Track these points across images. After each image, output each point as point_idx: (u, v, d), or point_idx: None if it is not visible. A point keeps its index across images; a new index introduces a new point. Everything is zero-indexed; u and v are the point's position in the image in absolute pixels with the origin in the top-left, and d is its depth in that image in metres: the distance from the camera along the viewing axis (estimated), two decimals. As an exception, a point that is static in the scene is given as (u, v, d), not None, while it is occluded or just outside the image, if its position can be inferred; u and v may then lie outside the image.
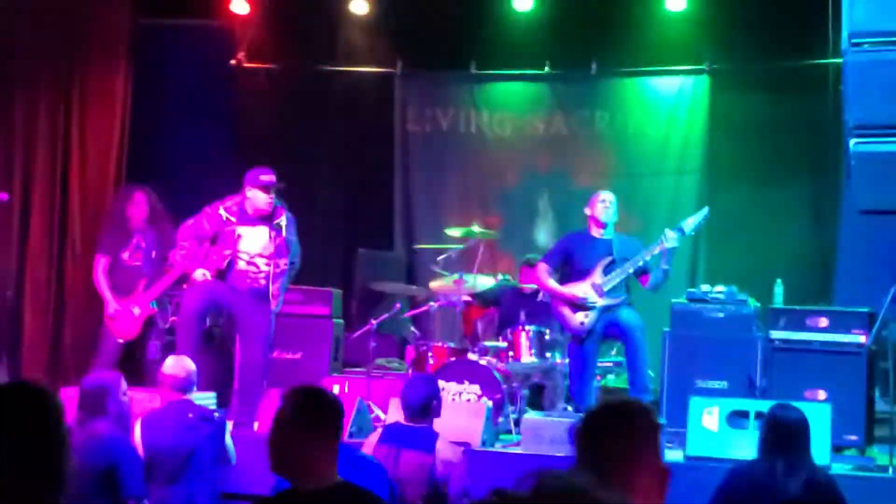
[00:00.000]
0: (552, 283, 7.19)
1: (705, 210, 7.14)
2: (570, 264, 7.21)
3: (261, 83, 10.18)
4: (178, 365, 5.48)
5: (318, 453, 3.07)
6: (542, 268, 7.26)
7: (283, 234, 7.01)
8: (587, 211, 7.22)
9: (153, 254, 7.33)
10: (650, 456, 2.34)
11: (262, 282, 7.05)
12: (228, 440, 5.58)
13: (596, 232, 7.13)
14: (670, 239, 6.89)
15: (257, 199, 6.97)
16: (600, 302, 7.02)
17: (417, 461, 4.78)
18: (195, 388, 5.58)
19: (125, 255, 7.35)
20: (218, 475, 5.48)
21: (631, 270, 6.97)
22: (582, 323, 7.10)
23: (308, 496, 3.04)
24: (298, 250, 7.20)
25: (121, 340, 7.35)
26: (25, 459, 2.25)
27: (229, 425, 5.76)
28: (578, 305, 7.08)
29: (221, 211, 7.02)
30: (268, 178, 6.96)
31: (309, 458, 3.06)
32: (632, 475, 2.27)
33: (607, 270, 7.02)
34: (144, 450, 5.18)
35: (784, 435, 4.56)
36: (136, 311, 7.30)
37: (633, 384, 7.09)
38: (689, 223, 6.97)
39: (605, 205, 7.08)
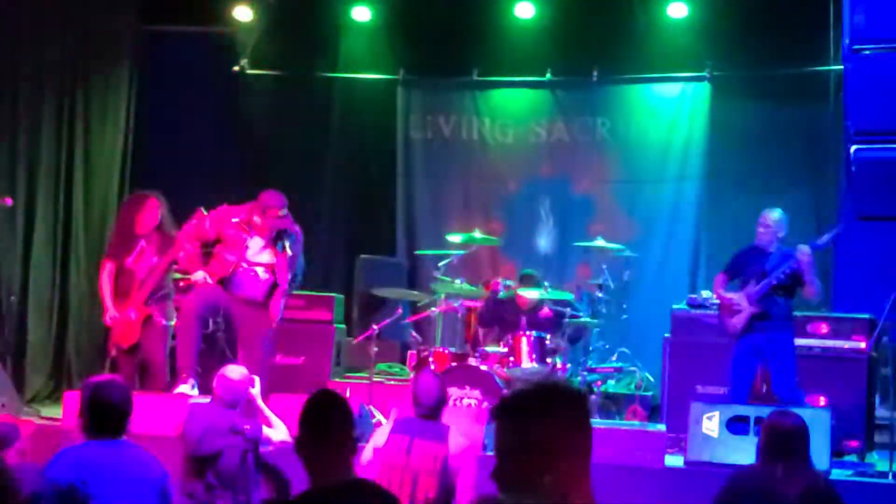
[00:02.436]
0: (720, 290, 7.22)
1: (839, 227, 7.07)
2: (740, 274, 7.22)
3: (264, 90, 10.21)
4: (234, 373, 5.55)
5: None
6: (719, 277, 7.30)
7: (288, 250, 7.03)
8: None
9: (154, 260, 7.31)
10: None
11: (260, 291, 7.08)
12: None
13: (761, 245, 7.12)
14: (803, 253, 6.83)
15: (263, 224, 7.03)
16: (749, 308, 6.98)
17: (431, 451, 4.98)
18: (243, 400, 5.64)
19: (129, 261, 7.35)
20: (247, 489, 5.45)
21: (774, 283, 6.91)
22: (735, 325, 7.09)
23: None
24: (302, 265, 7.21)
25: (123, 346, 7.33)
26: None
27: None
28: (735, 310, 7.07)
29: (235, 219, 7.06)
30: (280, 213, 6.99)
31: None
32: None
33: (760, 281, 6.98)
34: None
35: (783, 441, 4.56)
36: (133, 314, 7.28)
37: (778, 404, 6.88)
38: (823, 238, 6.94)
39: (760, 226, 7.07)
